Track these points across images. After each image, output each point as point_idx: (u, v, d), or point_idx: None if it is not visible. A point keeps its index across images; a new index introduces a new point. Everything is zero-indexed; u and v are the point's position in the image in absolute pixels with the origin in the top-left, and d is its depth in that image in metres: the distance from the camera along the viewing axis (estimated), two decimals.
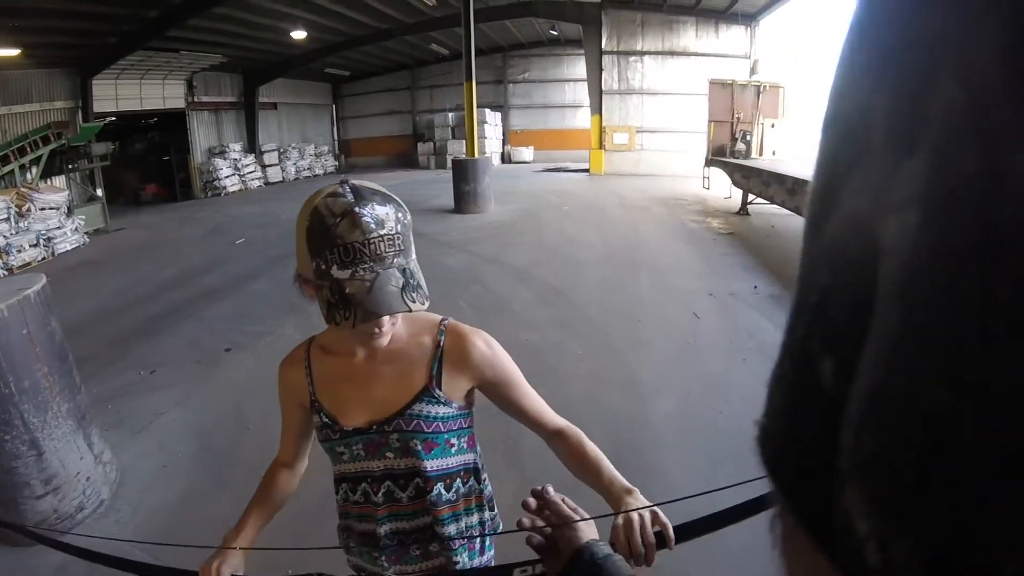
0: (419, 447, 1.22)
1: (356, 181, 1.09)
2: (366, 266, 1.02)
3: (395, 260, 1.05)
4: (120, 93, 16.26)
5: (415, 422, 1.21)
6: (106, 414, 4.09)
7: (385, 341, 1.17)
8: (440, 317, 1.28)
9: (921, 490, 0.15)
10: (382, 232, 1.04)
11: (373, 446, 1.23)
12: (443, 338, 1.24)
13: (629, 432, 3.68)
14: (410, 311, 1.05)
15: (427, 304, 1.08)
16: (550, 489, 1.08)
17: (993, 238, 0.14)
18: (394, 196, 1.11)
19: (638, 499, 1.07)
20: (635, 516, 1.02)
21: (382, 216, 1.04)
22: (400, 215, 1.08)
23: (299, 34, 18.16)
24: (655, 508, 1.04)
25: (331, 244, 1.02)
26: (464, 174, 12.41)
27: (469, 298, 6.31)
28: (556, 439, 1.26)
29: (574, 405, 3.88)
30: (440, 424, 1.23)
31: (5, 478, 2.85)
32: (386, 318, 1.11)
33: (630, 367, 4.65)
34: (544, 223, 11.05)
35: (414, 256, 1.11)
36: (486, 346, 1.25)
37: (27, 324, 2.87)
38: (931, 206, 0.15)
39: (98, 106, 15.22)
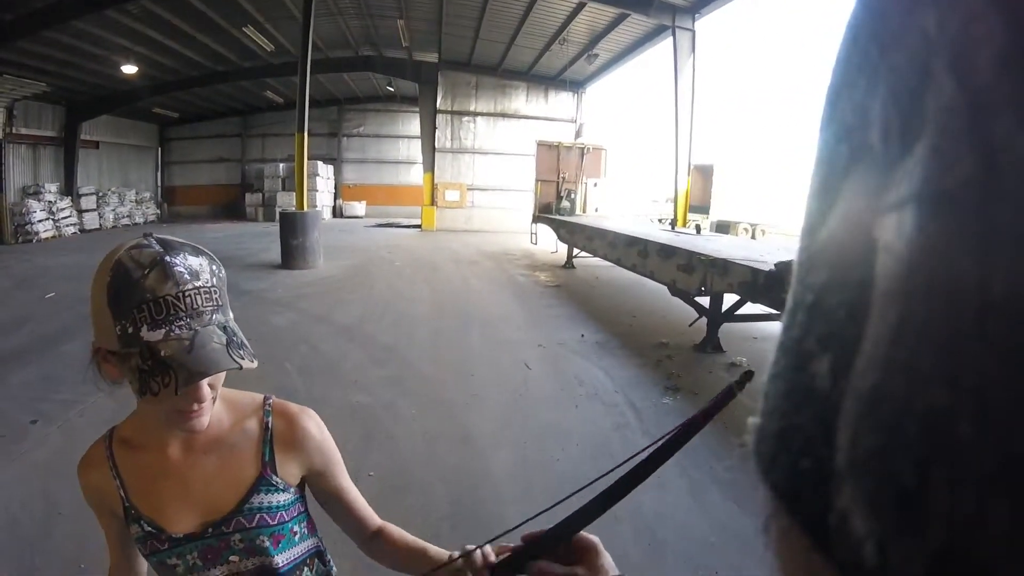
0: (267, 543, 1.05)
1: (160, 234, 0.95)
2: (182, 323, 0.87)
3: (214, 316, 0.91)
4: None
5: (258, 516, 1.04)
6: None
7: (205, 422, 0.98)
8: (263, 396, 1.13)
9: (920, 489, 0.15)
10: (198, 284, 0.89)
11: (213, 552, 1.03)
12: (270, 419, 1.09)
13: (469, 488, 3.60)
14: (240, 368, 0.89)
15: (256, 363, 0.93)
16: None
17: (991, 237, 0.14)
18: (205, 249, 0.97)
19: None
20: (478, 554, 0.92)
21: (196, 267, 0.90)
22: (215, 268, 0.94)
23: (130, 69, 16.85)
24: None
25: (139, 300, 0.85)
26: (293, 228, 11.88)
27: (296, 360, 5.90)
28: (379, 535, 1.16)
29: (411, 466, 3.76)
30: (284, 513, 1.08)
31: None
32: (206, 391, 0.94)
33: (465, 422, 4.58)
34: (375, 279, 10.86)
35: (231, 316, 0.97)
36: (317, 430, 1.12)
37: None
38: (929, 205, 0.15)
39: None
